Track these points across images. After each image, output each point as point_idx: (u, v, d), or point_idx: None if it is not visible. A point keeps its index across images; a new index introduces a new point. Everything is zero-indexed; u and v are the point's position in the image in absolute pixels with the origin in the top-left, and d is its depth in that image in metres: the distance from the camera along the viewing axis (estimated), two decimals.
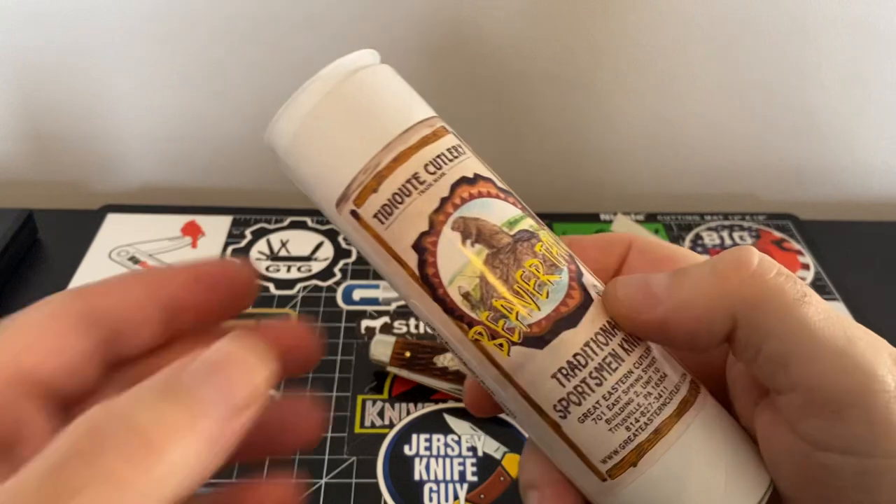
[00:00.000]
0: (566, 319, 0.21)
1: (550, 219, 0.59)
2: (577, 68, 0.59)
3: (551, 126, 0.62)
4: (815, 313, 0.20)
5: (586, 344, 0.21)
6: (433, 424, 0.43)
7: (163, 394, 0.16)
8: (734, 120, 0.62)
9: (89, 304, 0.21)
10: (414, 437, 0.43)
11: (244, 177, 0.63)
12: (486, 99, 0.60)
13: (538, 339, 0.21)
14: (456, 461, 0.41)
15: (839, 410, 0.19)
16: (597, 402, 0.21)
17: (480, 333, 0.21)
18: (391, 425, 0.43)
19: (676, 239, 0.58)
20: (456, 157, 0.22)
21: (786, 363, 0.20)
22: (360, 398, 0.44)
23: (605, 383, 0.21)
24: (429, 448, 0.42)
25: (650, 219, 0.60)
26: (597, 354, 0.21)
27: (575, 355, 0.21)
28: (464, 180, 0.22)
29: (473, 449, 0.42)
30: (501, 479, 0.40)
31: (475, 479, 0.40)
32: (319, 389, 0.45)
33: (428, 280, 0.22)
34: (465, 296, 0.21)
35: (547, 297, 0.21)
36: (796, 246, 0.57)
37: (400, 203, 0.21)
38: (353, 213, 0.22)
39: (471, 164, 0.23)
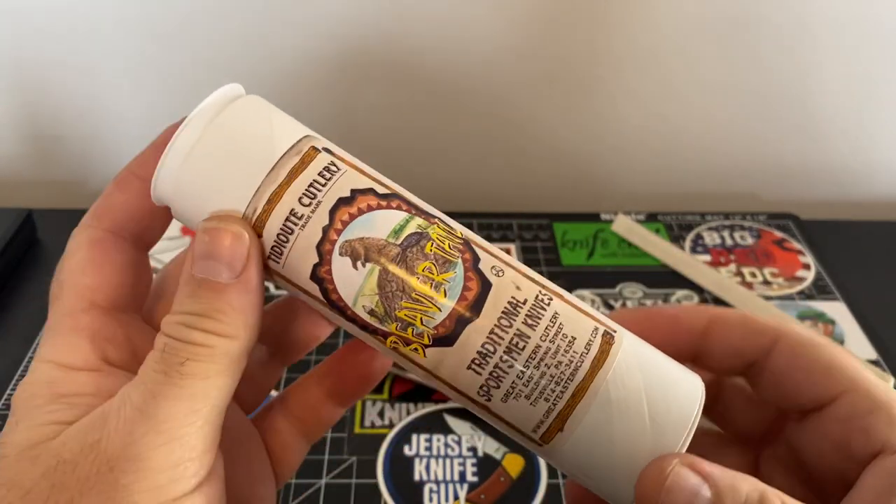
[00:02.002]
0: (468, 312, 0.22)
1: (550, 219, 0.59)
2: (578, 68, 0.59)
3: (551, 126, 0.62)
4: None
5: (491, 332, 0.22)
6: (433, 425, 0.43)
7: (191, 292, 0.21)
8: (735, 119, 0.62)
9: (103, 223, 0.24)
10: (414, 437, 0.42)
11: None
12: (487, 100, 0.60)
13: (446, 338, 0.22)
14: (456, 461, 0.41)
15: None
16: (512, 383, 0.22)
17: (395, 342, 0.22)
18: (391, 425, 0.43)
19: (677, 239, 0.58)
20: (330, 178, 0.22)
21: None
22: None
23: (515, 365, 0.22)
24: (429, 448, 0.42)
25: (651, 219, 0.60)
26: (503, 339, 0.22)
27: (483, 345, 0.22)
28: (341, 202, 0.22)
29: (473, 449, 0.42)
30: (501, 479, 0.40)
31: (475, 479, 0.40)
32: None
33: (335, 304, 0.22)
34: (371, 313, 0.22)
35: (445, 295, 0.22)
36: (797, 246, 0.57)
37: (286, 242, 0.22)
38: None
39: (346, 181, 0.23)
